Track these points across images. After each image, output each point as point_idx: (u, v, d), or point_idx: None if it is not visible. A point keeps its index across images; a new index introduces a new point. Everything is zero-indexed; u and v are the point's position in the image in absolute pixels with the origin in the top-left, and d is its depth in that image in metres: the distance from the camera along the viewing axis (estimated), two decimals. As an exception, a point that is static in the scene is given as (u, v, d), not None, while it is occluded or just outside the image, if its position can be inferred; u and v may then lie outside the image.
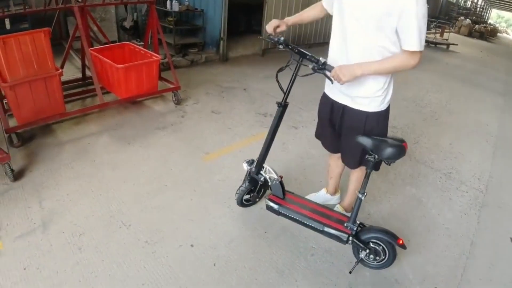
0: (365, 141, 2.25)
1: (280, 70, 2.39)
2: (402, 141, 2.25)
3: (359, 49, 2.11)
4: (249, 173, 2.79)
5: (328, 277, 2.48)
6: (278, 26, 2.40)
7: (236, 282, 2.36)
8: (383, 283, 2.50)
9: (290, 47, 2.30)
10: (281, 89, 2.44)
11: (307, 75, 2.28)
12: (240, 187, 2.85)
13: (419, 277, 2.58)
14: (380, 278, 2.52)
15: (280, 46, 2.32)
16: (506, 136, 5.45)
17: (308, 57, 2.23)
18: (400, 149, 2.21)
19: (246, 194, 2.89)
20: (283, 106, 2.50)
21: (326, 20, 9.07)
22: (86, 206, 2.84)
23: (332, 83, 2.19)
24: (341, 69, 2.06)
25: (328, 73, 2.16)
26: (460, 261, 2.79)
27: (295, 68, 2.35)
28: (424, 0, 1.88)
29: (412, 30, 1.90)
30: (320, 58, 2.18)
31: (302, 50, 2.26)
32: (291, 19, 2.48)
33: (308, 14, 2.53)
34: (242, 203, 2.92)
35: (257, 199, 3.01)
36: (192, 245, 2.58)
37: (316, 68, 2.18)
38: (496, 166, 4.37)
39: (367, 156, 2.29)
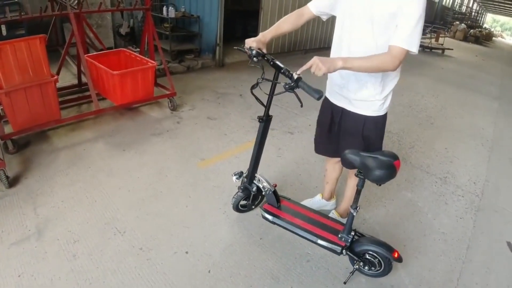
0: (353, 158, 2.12)
1: (253, 87, 2.23)
2: (394, 158, 2.09)
3: (363, 50, 2.04)
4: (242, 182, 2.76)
5: (323, 283, 2.47)
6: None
7: (231, 288, 2.35)
8: (379, 288, 2.51)
9: (266, 58, 2.13)
10: (260, 102, 2.34)
11: (280, 93, 2.14)
12: (236, 192, 2.85)
13: (415, 282, 2.58)
14: (376, 284, 2.51)
15: (255, 59, 2.14)
16: (501, 139, 5.47)
17: (282, 71, 2.05)
18: (390, 171, 2.04)
19: (243, 201, 2.88)
20: (264, 121, 2.39)
21: (322, 25, 9.15)
22: (81, 213, 2.83)
23: (302, 105, 2.04)
24: (322, 59, 1.86)
25: (300, 90, 1.96)
26: (456, 266, 2.79)
27: (271, 86, 2.24)
28: (424, 3, 1.87)
29: (406, 27, 1.88)
30: (294, 74, 1.94)
31: (278, 62, 2.09)
32: (268, 35, 2.27)
33: (287, 25, 2.35)
34: (238, 208, 2.92)
35: (253, 207, 2.99)
36: (187, 252, 2.57)
37: (287, 86, 1.97)
38: (491, 170, 4.39)
39: (356, 173, 2.19)
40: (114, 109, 4.33)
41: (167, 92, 4.72)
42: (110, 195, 3.06)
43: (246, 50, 2.19)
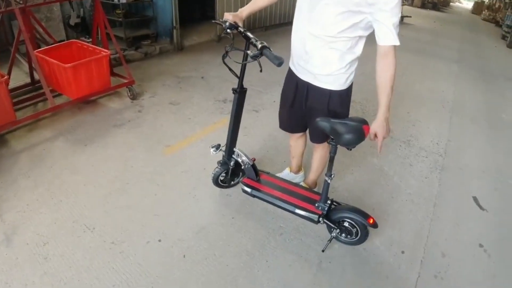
0: (324, 125, 2.16)
1: (224, 57, 2.28)
2: (363, 122, 2.13)
3: (323, 33, 2.05)
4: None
5: (298, 254, 2.52)
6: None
7: (208, 270, 2.35)
8: (352, 253, 2.57)
9: (239, 30, 2.23)
10: (233, 73, 2.36)
11: (248, 62, 2.20)
12: (215, 168, 2.85)
13: (386, 243, 2.66)
14: (348, 249, 2.59)
15: (228, 30, 2.25)
16: (461, 100, 5.65)
17: (251, 40, 2.14)
18: (359, 134, 2.10)
19: (223, 176, 2.89)
20: (238, 93, 2.44)
21: (282, 2, 9.10)
22: (47, 215, 2.74)
23: (261, 70, 2.07)
24: (379, 127, 2.03)
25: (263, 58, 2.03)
26: (424, 224, 2.89)
27: (243, 56, 2.28)
28: None
29: (389, 25, 1.88)
30: (258, 42, 2.05)
31: (248, 33, 2.19)
32: (245, 11, 2.38)
33: (262, 0, 2.44)
34: (218, 183, 2.93)
35: (232, 182, 3.01)
36: (160, 240, 2.55)
37: (251, 54, 2.05)
38: (453, 130, 4.53)
39: (328, 140, 2.27)
40: (71, 104, 4.17)
41: (125, 81, 4.57)
42: (75, 192, 2.97)
43: (220, 22, 2.29)
